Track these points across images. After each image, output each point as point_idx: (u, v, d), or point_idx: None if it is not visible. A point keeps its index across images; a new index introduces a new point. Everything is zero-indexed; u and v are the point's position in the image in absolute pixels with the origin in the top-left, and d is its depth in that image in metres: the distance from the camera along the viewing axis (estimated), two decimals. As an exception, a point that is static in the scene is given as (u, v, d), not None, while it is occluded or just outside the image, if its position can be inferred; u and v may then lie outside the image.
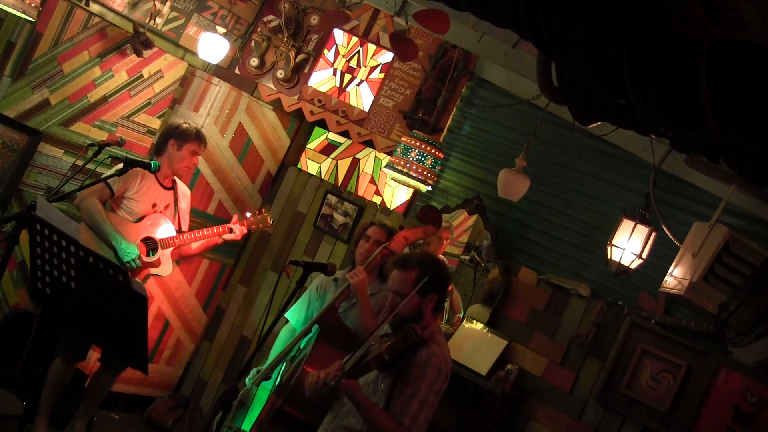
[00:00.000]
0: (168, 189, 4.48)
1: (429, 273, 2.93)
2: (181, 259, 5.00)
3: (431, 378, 2.78)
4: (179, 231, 4.53)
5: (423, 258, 3.06)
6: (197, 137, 4.46)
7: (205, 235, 4.57)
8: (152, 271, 4.42)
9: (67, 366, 4.23)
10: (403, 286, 2.91)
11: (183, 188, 4.64)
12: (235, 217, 4.69)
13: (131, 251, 4.20)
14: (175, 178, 4.53)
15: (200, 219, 5.22)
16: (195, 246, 4.64)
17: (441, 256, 4.56)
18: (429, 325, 2.92)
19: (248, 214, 4.72)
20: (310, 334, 3.49)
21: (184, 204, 4.63)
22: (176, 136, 4.42)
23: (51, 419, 4.20)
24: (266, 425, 3.37)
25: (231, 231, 4.60)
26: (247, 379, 3.75)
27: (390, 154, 4.95)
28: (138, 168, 4.26)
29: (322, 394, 2.78)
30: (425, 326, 2.88)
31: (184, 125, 4.48)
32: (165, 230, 4.44)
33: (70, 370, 4.27)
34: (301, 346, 3.54)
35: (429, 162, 4.63)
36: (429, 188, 4.74)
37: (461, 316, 4.60)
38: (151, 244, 4.37)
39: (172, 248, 4.48)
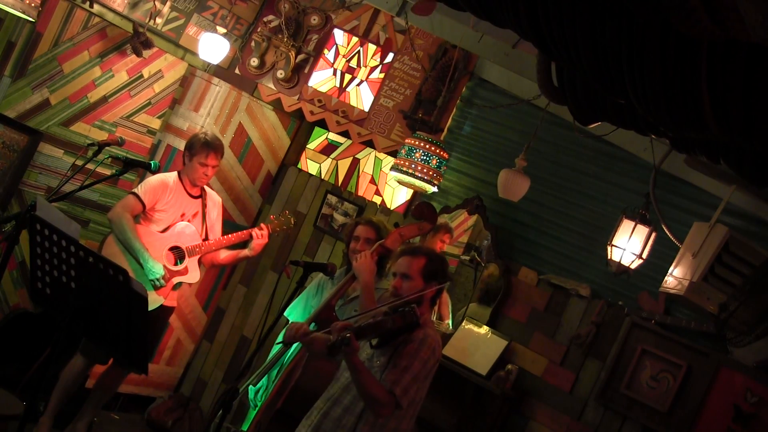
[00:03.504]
0: (195, 198, 4.47)
1: (435, 263, 3.11)
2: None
3: (425, 356, 2.89)
4: (205, 238, 4.49)
5: (430, 250, 3.30)
6: (204, 147, 4.35)
7: (229, 240, 4.52)
8: (180, 279, 4.40)
9: (86, 367, 4.26)
10: (410, 269, 3.06)
11: (213, 197, 4.60)
12: (260, 225, 4.58)
13: (157, 270, 4.19)
14: (205, 186, 4.52)
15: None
16: (223, 256, 4.58)
17: None
18: (424, 314, 3.05)
19: (272, 217, 4.63)
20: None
21: (214, 213, 4.57)
22: (188, 147, 4.42)
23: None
24: (265, 425, 3.37)
25: (253, 236, 4.49)
26: (249, 387, 3.73)
27: (393, 155, 4.93)
28: (168, 180, 4.31)
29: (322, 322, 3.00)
30: (422, 313, 3.01)
31: (200, 136, 4.43)
32: (191, 238, 4.42)
33: (87, 371, 4.28)
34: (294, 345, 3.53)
35: (434, 162, 4.57)
36: (435, 189, 4.70)
37: (449, 323, 4.58)
38: (178, 253, 4.36)
39: (198, 255, 4.46)
